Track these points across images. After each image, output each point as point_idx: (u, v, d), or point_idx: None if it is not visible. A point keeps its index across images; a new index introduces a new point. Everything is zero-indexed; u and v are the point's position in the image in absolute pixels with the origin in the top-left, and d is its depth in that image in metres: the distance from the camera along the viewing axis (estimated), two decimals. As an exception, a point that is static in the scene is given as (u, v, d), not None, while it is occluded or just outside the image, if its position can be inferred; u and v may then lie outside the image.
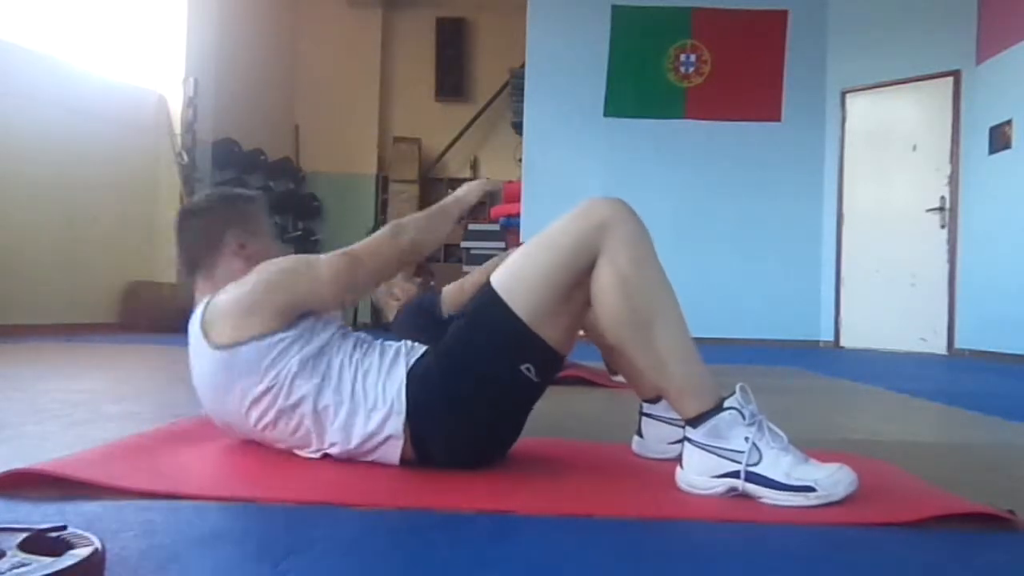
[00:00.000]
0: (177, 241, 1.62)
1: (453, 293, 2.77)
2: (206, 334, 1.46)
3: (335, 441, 1.45)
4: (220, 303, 1.47)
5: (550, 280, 1.40)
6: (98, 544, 0.84)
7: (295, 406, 1.45)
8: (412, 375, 1.45)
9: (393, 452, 1.45)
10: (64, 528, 0.86)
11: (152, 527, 1.11)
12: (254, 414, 1.47)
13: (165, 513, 1.19)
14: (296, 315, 1.47)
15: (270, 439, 1.51)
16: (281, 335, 1.45)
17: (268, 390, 1.45)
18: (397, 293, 3.07)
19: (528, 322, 1.40)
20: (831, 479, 1.28)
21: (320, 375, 1.45)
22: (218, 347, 1.45)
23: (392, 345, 1.55)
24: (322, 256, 1.52)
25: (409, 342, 1.57)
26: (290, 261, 1.52)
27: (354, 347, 1.52)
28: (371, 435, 1.44)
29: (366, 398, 1.44)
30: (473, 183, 1.77)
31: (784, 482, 1.29)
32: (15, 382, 2.93)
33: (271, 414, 1.46)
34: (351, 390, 1.45)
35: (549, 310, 1.40)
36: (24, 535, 0.84)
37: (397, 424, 1.43)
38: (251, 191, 1.73)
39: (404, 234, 1.55)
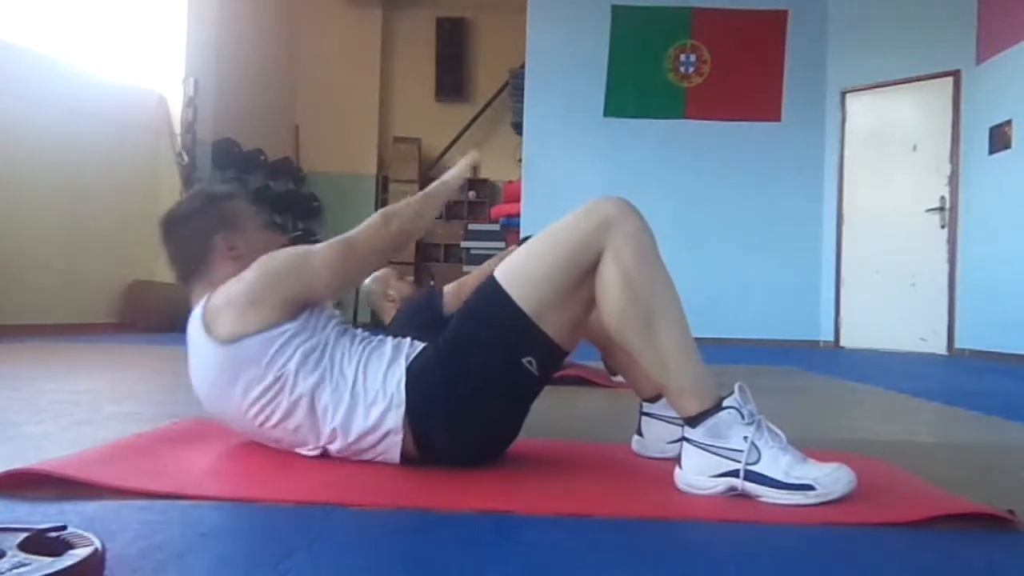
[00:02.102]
0: (165, 251, 1.60)
1: (452, 293, 2.78)
2: (208, 330, 1.46)
3: (335, 437, 1.46)
4: (220, 299, 1.47)
5: (554, 275, 1.41)
6: (98, 544, 0.84)
7: (295, 402, 1.45)
8: (412, 368, 1.46)
9: (393, 448, 1.45)
10: (64, 528, 0.86)
11: (152, 527, 1.11)
12: (254, 410, 1.47)
13: (165, 513, 1.19)
14: (296, 307, 1.48)
15: (269, 437, 1.51)
16: (284, 327, 1.46)
17: (271, 385, 1.45)
18: (392, 295, 3.06)
19: (531, 315, 1.41)
20: (830, 477, 1.28)
21: (321, 370, 1.46)
22: (221, 341, 1.45)
23: (392, 340, 1.56)
24: (316, 246, 1.53)
25: (410, 338, 1.57)
26: (287, 254, 1.52)
27: (353, 342, 1.53)
28: (370, 430, 1.44)
29: (366, 393, 1.45)
30: (456, 167, 1.77)
31: (783, 480, 1.29)
32: (15, 382, 2.93)
33: (271, 410, 1.47)
34: (351, 385, 1.46)
35: (552, 304, 1.41)
36: (24, 535, 0.84)
37: (396, 418, 1.43)
38: (229, 187, 1.71)
39: (394, 221, 1.56)
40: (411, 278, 3.14)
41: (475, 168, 10.26)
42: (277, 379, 1.45)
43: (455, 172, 1.74)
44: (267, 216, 1.68)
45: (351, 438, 1.45)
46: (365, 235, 1.54)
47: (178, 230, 1.59)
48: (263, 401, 1.46)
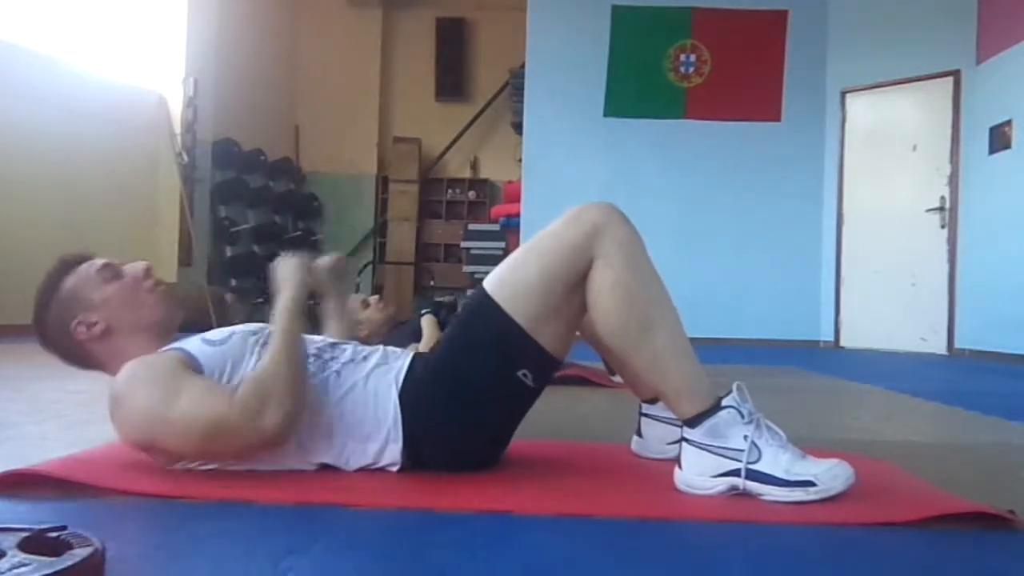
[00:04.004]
0: (54, 355, 1.46)
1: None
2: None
3: (329, 465, 1.42)
4: (112, 410, 1.33)
5: (546, 285, 1.38)
6: (98, 544, 0.84)
7: (267, 457, 1.39)
8: (405, 396, 1.41)
9: (390, 468, 1.43)
10: (64, 528, 0.86)
11: (152, 527, 1.11)
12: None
13: (165, 513, 1.19)
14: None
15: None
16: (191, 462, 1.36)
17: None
18: (362, 327, 2.82)
19: (525, 327, 1.38)
20: (829, 473, 1.29)
21: None
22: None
23: (367, 354, 1.49)
24: (187, 395, 1.29)
25: (388, 349, 1.52)
26: (150, 390, 1.30)
27: (311, 364, 1.42)
28: (369, 465, 1.42)
29: (360, 427, 1.40)
30: (288, 271, 1.48)
31: (784, 478, 1.29)
32: (15, 382, 2.93)
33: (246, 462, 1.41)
34: (335, 425, 1.39)
35: (546, 315, 1.39)
36: (24, 535, 0.83)
37: (395, 451, 1.41)
38: (57, 264, 1.47)
39: (268, 411, 1.28)
40: (375, 298, 2.92)
41: (475, 168, 10.27)
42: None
43: (289, 287, 1.46)
44: (107, 266, 1.45)
45: (349, 469, 1.42)
46: (228, 427, 1.29)
47: (44, 340, 1.45)
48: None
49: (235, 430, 1.29)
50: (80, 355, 1.45)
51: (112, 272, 1.47)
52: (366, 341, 2.70)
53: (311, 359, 1.43)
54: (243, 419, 1.28)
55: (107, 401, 1.34)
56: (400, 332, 2.84)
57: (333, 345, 1.50)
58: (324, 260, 1.66)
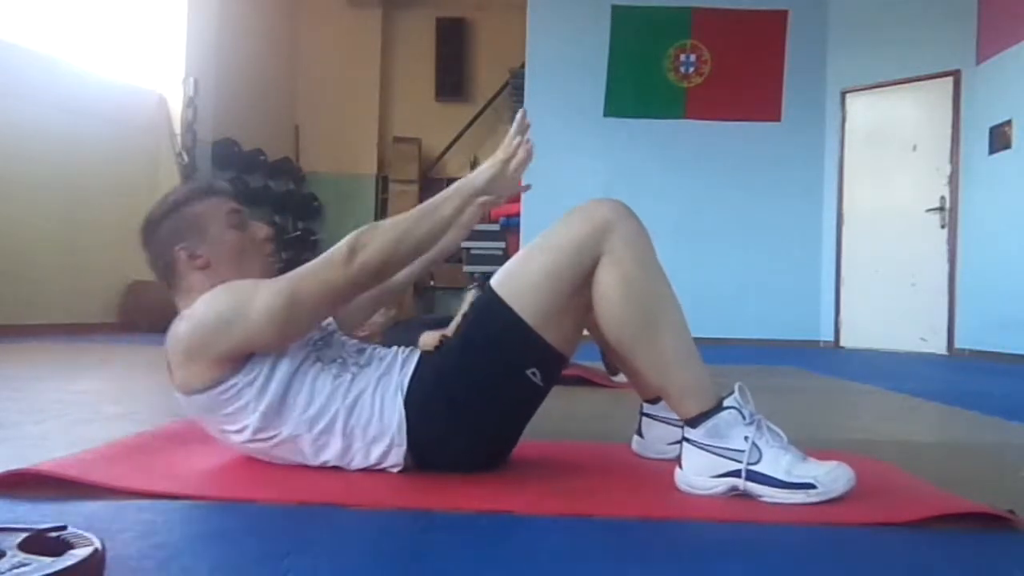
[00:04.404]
0: (146, 258, 1.50)
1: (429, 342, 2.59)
2: (168, 369, 1.41)
3: (332, 465, 1.42)
4: (171, 341, 1.38)
5: (554, 282, 1.37)
6: (98, 544, 0.84)
7: (278, 444, 1.41)
8: (411, 400, 1.40)
9: (393, 469, 1.43)
10: (64, 528, 0.86)
11: (152, 527, 1.11)
12: (234, 443, 1.44)
13: (165, 513, 1.19)
14: (241, 359, 1.37)
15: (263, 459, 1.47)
16: (230, 383, 1.36)
17: (240, 431, 1.40)
18: (367, 332, 2.78)
19: (534, 325, 1.38)
20: (830, 476, 1.28)
21: (292, 419, 1.39)
22: (177, 388, 1.41)
23: (381, 355, 1.49)
24: (263, 287, 1.35)
25: (402, 349, 1.52)
26: (226, 300, 1.35)
27: (334, 368, 1.43)
28: (372, 466, 1.42)
29: (366, 429, 1.40)
30: (490, 160, 1.47)
31: (785, 480, 1.29)
32: (15, 382, 2.93)
33: (254, 449, 1.43)
34: (340, 426, 1.39)
35: (554, 312, 1.38)
36: (24, 535, 0.84)
37: (399, 455, 1.41)
38: (201, 185, 1.54)
39: (360, 254, 1.34)
40: (393, 312, 2.91)
41: (475, 168, 10.24)
42: (242, 429, 1.40)
43: (484, 166, 1.47)
44: (238, 212, 1.51)
45: (351, 469, 1.42)
46: (315, 275, 1.35)
47: (145, 240, 1.48)
48: (240, 439, 1.41)
49: (321, 275, 1.33)
50: (164, 272, 1.47)
51: (239, 220, 1.51)
52: (365, 341, 2.67)
53: (336, 364, 1.44)
54: (333, 258, 1.33)
55: (173, 325, 1.37)
56: (399, 331, 2.83)
57: (360, 351, 1.50)
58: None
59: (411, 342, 1.76)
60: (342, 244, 1.35)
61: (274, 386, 1.38)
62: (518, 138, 1.49)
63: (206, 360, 1.35)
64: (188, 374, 1.37)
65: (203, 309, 1.35)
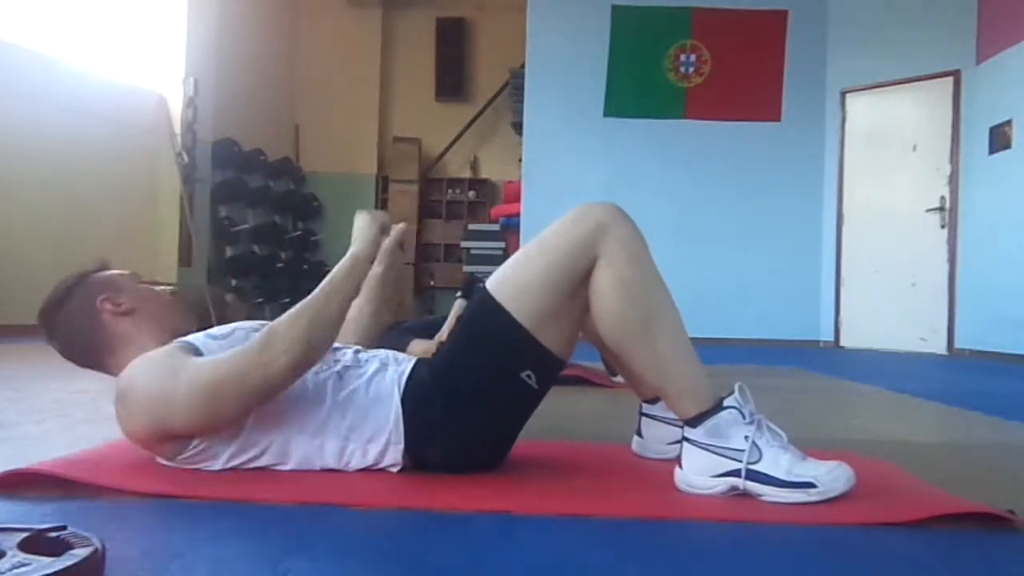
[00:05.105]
0: (58, 345, 1.45)
1: (418, 351, 2.60)
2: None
3: (331, 468, 1.42)
4: (120, 423, 1.36)
5: (550, 285, 1.37)
6: (98, 544, 0.84)
7: (272, 460, 1.40)
8: (407, 400, 1.40)
9: (391, 469, 1.43)
10: (64, 528, 0.86)
11: (152, 527, 1.11)
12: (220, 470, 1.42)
13: (165, 513, 1.19)
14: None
15: None
16: (194, 444, 1.35)
17: (227, 460, 1.39)
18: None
19: (530, 328, 1.37)
20: (830, 475, 1.29)
21: (283, 431, 1.38)
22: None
23: (369, 357, 1.49)
24: (182, 383, 1.30)
25: (390, 353, 1.51)
26: (150, 376, 1.32)
27: (325, 367, 1.43)
28: (370, 466, 1.42)
29: (362, 429, 1.40)
30: (363, 225, 1.47)
31: (785, 479, 1.29)
32: (15, 382, 2.93)
33: (244, 465, 1.41)
34: (335, 426, 1.39)
35: (550, 315, 1.38)
36: (24, 535, 0.84)
37: (396, 454, 1.41)
38: (93, 264, 1.54)
39: (270, 351, 1.29)
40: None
41: (475, 168, 10.27)
42: (232, 458, 1.38)
43: (360, 234, 1.46)
44: (139, 276, 1.55)
45: (349, 470, 1.42)
46: (233, 372, 1.30)
47: (60, 312, 1.45)
48: (220, 469, 1.39)
49: (240, 373, 1.29)
50: (90, 333, 1.44)
51: (141, 279, 1.56)
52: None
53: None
54: (250, 355, 1.30)
55: (113, 403, 1.35)
56: (396, 333, 2.82)
57: (335, 349, 1.50)
58: (399, 226, 1.59)
59: (400, 349, 1.76)
60: (254, 343, 1.31)
61: (250, 419, 1.37)
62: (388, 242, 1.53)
63: (155, 441, 1.36)
64: (150, 450, 1.39)
65: (132, 397, 1.32)
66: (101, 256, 1.58)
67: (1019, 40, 5.63)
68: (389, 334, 2.79)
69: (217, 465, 1.38)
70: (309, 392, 1.40)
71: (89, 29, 6.44)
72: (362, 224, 1.48)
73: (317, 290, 1.37)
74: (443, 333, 2.58)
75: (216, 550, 1.04)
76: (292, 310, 1.35)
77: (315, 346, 1.34)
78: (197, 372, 1.31)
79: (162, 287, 1.57)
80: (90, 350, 1.46)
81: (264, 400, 1.34)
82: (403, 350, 2.14)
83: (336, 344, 1.50)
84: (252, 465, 1.40)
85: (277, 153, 9.20)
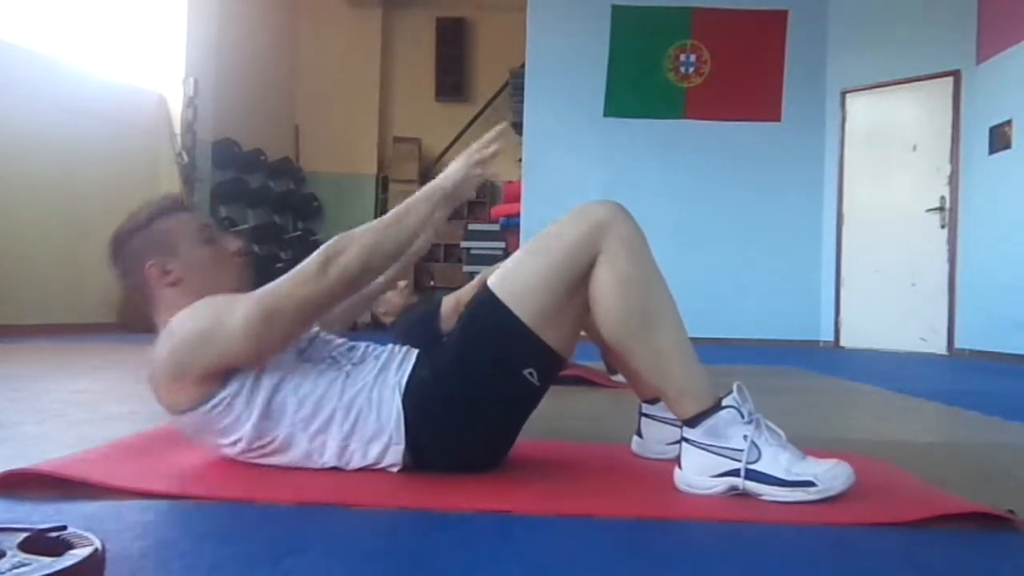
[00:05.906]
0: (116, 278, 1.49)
1: (451, 307, 2.65)
2: (155, 390, 1.40)
3: (331, 466, 1.42)
4: (153, 362, 1.37)
5: (551, 282, 1.38)
6: (98, 544, 0.84)
7: (275, 449, 1.41)
8: (409, 398, 1.41)
9: (391, 469, 1.43)
10: (64, 528, 0.86)
11: (152, 527, 1.11)
12: (232, 456, 1.44)
13: (165, 513, 1.19)
14: (224, 374, 1.37)
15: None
16: (217, 398, 1.36)
17: (235, 443, 1.40)
18: (382, 310, 2.85)
19: (531, 325, 1.38)
20: (829, 473, 1.29)
21: (287, 420, 1.39)
22: (164, 408, 1.41)
23: (377, 353, 1.50)
24: (238, 305, 1.33)
25: (398, 347, 1.52)
26: (202, 316, 1.35)
27: (324, 366, 1.43)
28: (370, 465, 1.42)
29: (364, 429, 1.40)
30: (459, 163, 1.47)
31: (784, 478, 1.29)
32: (15, 382, 2.93)
33: (252, 456, 1.42)
34: (338, 425, 1.40)
35: (551, 313, 1.39)
36: (24, 535, 0.83)
37: (396, 454, 1.41)
38: (171, 201, 1.53)
39: (335, 263, 1.33)
40: (404, 284, 2.97)
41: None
42: (236, 441, 1.40)
43: (452, 169, 1.47)
44: (208, 227, 1.50)
45: (349, 469, 1.42)
46: (290, 287, 1.34)
47: (115, 256, 1.47)
48: (234, 453, 1.42)
49: (296, 288, 1.32)
50: (136, 291, 1.46)
51: (210, 234, 1.50)
52: (381, 319, 2.67)
53: (326, 362, 1.45)
54: (306, 273, 1.33)
55: (155, 341, 1.37)
56: (413, 315, 2.84)
57: (351, 348, 1.51)
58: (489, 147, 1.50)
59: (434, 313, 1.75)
60: (316, 256, 1.35)
61: (263, 392, 1.38)
62: (493, 146, 1.49)
63: (189, 379, 1.35)
64: (174, 394, 1.38)
65: (180, 327, 1.35)
66: (172, 192, 1.52)
67: (1019, 40, 5.63)
68: (405, 317, 2.79)
69: (235, 433, 1.38)
70: (316, 392, 1.40)
71: (89, 29, 6.44)
72: (458, 164, 1.47)
73: (388, 214, 1.40)
74: (466, 290, 2.58)
75: (216, 550, 1.04)
76: (360, 228, 1.37)
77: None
78: (251, 296, 1.34)
79: (231, 244, 1.52)
80: (138, 297, 1.48)
81: (314, 319, 1.38)
82: (437, 310, 2.33)
83: (353, 344, 1.52)
84: (260, 452, 1.40)
85: (277, 153, 9.20)
